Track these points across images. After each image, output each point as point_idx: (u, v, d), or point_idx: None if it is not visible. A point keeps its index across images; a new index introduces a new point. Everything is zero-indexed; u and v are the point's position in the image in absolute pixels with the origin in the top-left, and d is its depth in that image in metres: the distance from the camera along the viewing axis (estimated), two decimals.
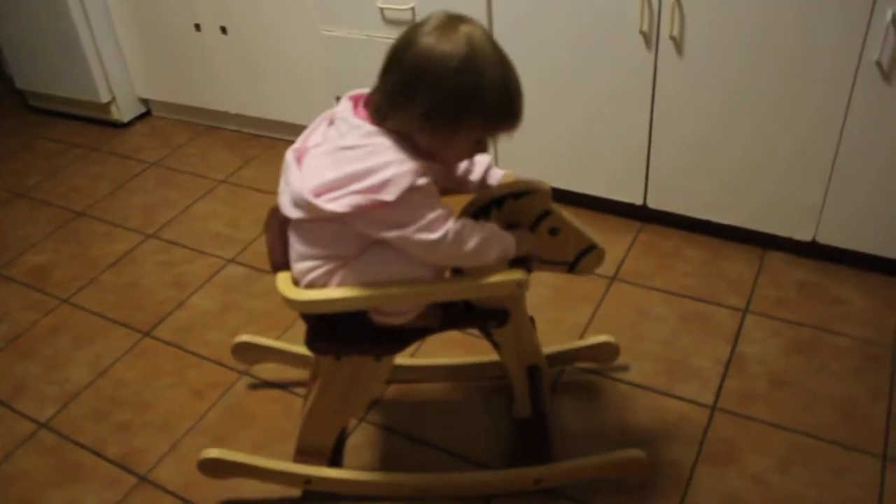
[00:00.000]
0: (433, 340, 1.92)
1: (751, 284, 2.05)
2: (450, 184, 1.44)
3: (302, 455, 1.57)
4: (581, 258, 1.42)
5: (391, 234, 1.22)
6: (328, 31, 2.45)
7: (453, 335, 1.92)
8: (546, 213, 1.36)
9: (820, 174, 1.93)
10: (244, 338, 1.86)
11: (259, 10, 2.63)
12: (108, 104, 3.14)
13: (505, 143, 2.34)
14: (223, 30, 2.75)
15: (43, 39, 3.06)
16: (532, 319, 1.65)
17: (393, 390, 1.84)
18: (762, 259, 2.13)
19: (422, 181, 1.19)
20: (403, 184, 1.17)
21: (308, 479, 1.56)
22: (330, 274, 1.29)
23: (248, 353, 1.88)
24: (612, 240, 2.25)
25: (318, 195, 1.20)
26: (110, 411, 1.88)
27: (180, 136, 3.09)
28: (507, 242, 1.31)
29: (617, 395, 1.78)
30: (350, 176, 1.19)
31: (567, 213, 1.39)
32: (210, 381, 1.93)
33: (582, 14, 2.01)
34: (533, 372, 1.60)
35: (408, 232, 1.21)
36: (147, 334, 2.11)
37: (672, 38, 1.92)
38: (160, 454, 1.76)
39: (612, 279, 2.12)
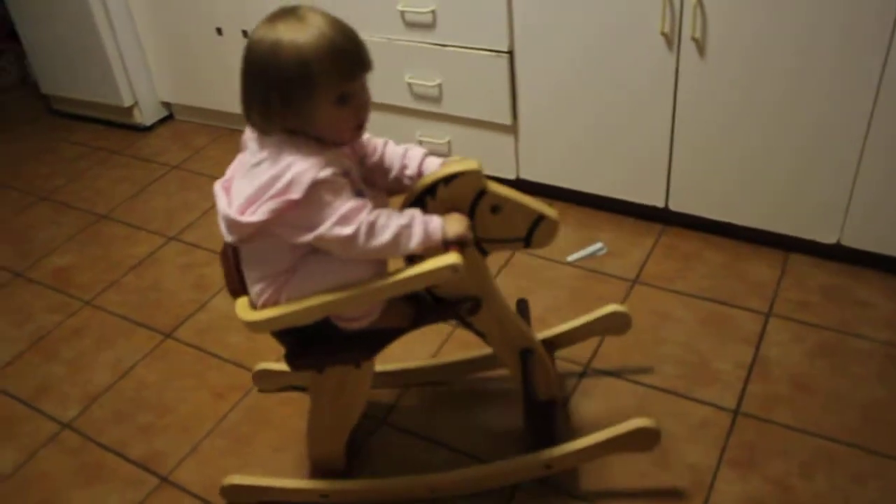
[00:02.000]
0: (452, 342, 1.92)
1: (773, 287, 2.03)
2: (390, 186, 1.45)
3: (317, 468, 1.60)
4: (533, 230, 1.40)
5: (310, 236, 1.24)
6: None
7: (469, 337, 1.91)
8: (482, 193, 1.34)
9: (845, 176, 1.91)
10: (262, 366, 1.89)
11: None
12: (131, 108, 3.16)
13: (525, 145, 2.34)
14: (245, 34, 2.77)
15: (67, 44, 3.09)
16: (525, 304, 1.64)
17: (409, 393, 1.84)
18: (785, 262, 2.11)
19: (325, 173, 1.21)
20: (306, 179, 1.20)
21: (325, 494, 1.59)
22: (277, 292, 1.32)
23: (268, 381, 1.90)
24: (634, 242, 2.24)
25: (241, 213, 1.24)
26: (132, 412, 1.90)
27: (201, 139, 3.11)
28: (429, 227, 1.29)
29: (638, 398, 1.77)
30: (262, 187, 1.23)
31: (506, 189, 1.36)
32: (230, 383, 1.94)
33: (603, 15, 2.00)
34: (525, 356, 1.57)
35: (323, 229, 1.22)
36: (168, 336, 2.12)
37: (694, 39, 1.91)
38: (181, 455, 1.77)
39: (634, 282, 2.10)
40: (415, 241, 1.29)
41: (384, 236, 1.26)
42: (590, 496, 1.57)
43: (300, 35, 1.20)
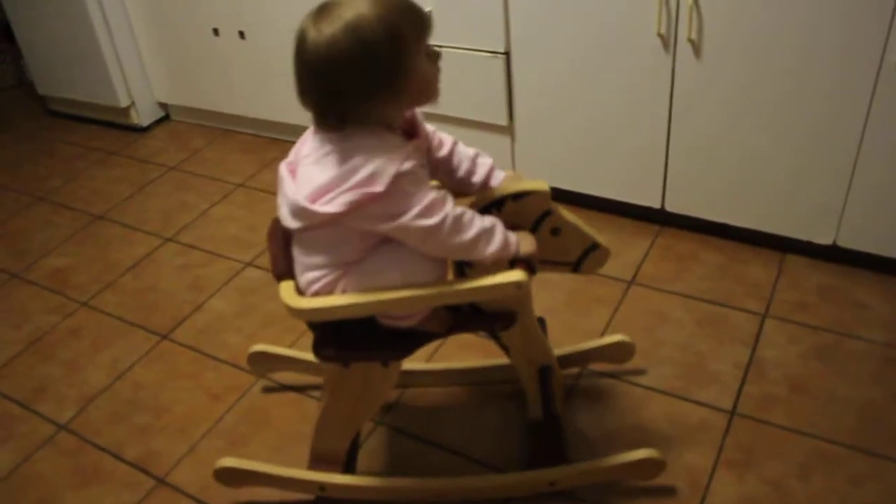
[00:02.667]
0: (449, 344, 1.92)
1: (770, 288, 2.03)
2: (452, 184, 1.45)
3: (316, 462, 1.57)
4: (584, 258, 1.42)
5: (390, 226, 1.21)
6: None
7: (468, 338, 1.92)
8: (546, 214, 1.35)
9: (840, 177, 1.91)
10: (259, 347, 1.87)
11: (277, 14, 2.64)
12: (128, 109, 3.16)
13: (522, 146, 2.34)
14: (241, 34, 2.77)
15: (63, 45, 3.09)
16: (542, 321, 1.65)
17: (409, 394, 1.84)
18: (781, 263, 2.11)
19: (407, 165, 1.19)
20: (390, 171, 1.17)
21: (322, 486, 1.57)
22: (334, 282, 1.29)
23: (263, 363, 1.89)
24: (630, 243, 2.24)
25: (312, 201, 1.21)
26: (129, 414, 1.89)
27: (198, 140, 3.11)
28: (507, 239, 1.30)
29: (634, 399, 1.77)
30: (338, 177, 1.20)
31: (568, 213, 1.38)
32: (227, 385, 1.93)
33: (599, 17, 2.00)
34: (544, 373, 1.59)
35: (405, 219, 1.20)
36: (165, 337, 2.12)
37: (690, 40, 1.91)
38: (178, 457, 1.76)
39: (630, 283, 2.11)
40: (493, 248, 1.28)
41: (467, 234, 1.25)
42: (586, 496, 1.57)
43: (368, 9, 1.16)
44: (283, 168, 1.31)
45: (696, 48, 1.92)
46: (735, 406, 1.73)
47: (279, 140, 3.01)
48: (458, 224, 1.24)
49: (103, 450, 1.81)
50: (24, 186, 2.94)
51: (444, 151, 1.42)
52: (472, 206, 1.36)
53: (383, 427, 1.77)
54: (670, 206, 2.21)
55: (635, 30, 1.97)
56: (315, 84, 1.21)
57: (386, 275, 1.28)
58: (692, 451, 1.64)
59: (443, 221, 1.22)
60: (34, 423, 1.90)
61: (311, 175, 1.24)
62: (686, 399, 1.76)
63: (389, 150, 1.20)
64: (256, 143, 3.03)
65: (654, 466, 1.54)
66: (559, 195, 2.38)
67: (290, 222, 1.26)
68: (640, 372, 1.83)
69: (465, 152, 1.44)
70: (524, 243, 1.33)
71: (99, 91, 3.13)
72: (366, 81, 1.18)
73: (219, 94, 3.01)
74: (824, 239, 2.03)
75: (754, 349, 1.86)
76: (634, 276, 2.13)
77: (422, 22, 1.22)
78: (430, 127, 1.41)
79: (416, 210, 1.20)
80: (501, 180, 1.43)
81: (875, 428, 1.65)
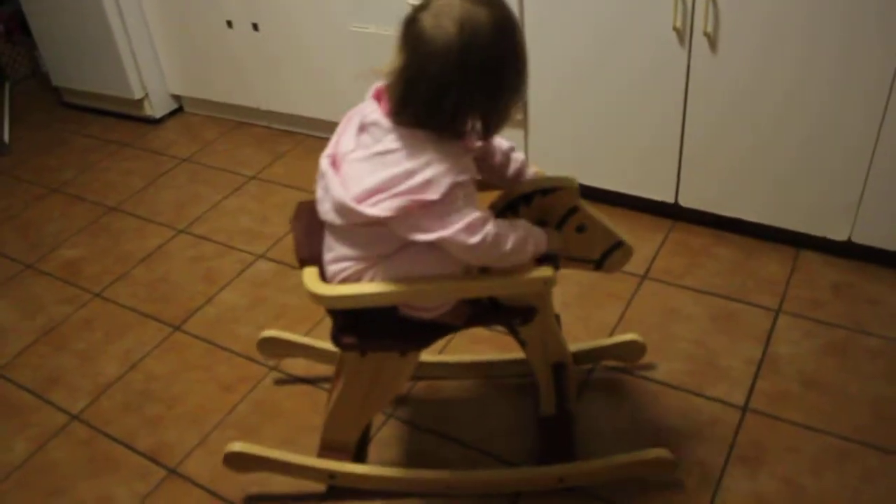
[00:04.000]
0: (461, 338, 1.92)
1: (784, 284, 2.02)
2: (486, 176, 1.43)
3: (326, 450, 1.57)
4: (608, 255, 1.42)
5: (433, 236, 1.21)
6: (358, 27, 2.45)
7: (481, 332, 1.91)
8: (573, 210, 1.35)
9: (857, 172, 1.90)
10: (269, 333, 1.87)
11: (290, 7, 2.64)
12: (141, 101, 3.17)
13: (536, 140, 2.33)
14: (255, 27, 2.77)
15: (78, 37, 3.10)
16: (557, 317, 1.64)
17: (421, 387, 1.85)
18: (796, 258, 2.10)
19: (463, 177, 1.19)
20: (446, 181, 1.17)
21: (332, 475, 1.57)
22: (363, 272, 1.29)
23: (273, 348, 1.89)
24: (643, 237, 2.23)
25: (360, 201, 1.20)
26: (141, 404, 1.90)
27: (211, 132, 3.11)
28: (538, 239, 1.31)
29: (646, 394, 1.77)
30: (390, 179, 1.18)
31: (594, 211, 1.38)
32: (239, 376, 1.94)
33: (615, 10, 1.99)
34: (558, 370, 1.59)
35: (448, 233, 1.20)
36: (177, 328, 2.12)
37: (706, 34, 1.90)
38: (189, 447, 1.77)
39: (643, 277, 2.10)
40: (528, 253, 1.29)
41: (505, 248, 1.26)
42: (598, 492, 1.56)
43: (500, 12, 1.15)
44: (325, 162, 1.29)
45: (712, 42, 1.90)
46: (747, 402, 1.72)
47: (292, 132, 3.01)
48: (497, 241, 1.24)
49: (115, 440, 1.82)
50: (37, 177, 2.95)
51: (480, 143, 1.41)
52: (502, 198, 1.36)
53: (395, 420, 1.77)
54: (684, 201, 2.20)
55: (651, 24, 1.96)
56: (447, 79, 1.15)
57: (415, 267, 1.28)
58: (704, 446, 1.63)
59: (482, 241, 1.22)
60: (47, 412, 1.91)
61: (359, 174, 1.22)
62: (698, 394, 1.75)
63: (448, 157, 1.18)
64: (269, 135, 3.03)
65: (665, 465, 1.53)
66: None
67: (333, 219, 1.26)
68: (653, 367, 1.83)
69: (500, 145, 1.44)
70: (552, 241, 1.34)
71: (113, 83, 3.14)
72: (515, 82, 1.19)
73: (232, 87, 3.01)
74: (840, 235, 2.01)
75: (767, 345, 1.85)
76: (647, 270, 2.12)
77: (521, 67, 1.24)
78: None
79: (459, 225, 1.20)
80: (531, 175, 1.44)
81: (888, 425, 1.64)
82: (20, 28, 3.52)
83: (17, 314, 2.25)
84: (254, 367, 1.95)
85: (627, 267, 2.10)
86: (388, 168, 1.19)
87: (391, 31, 2.46)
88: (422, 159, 1.17)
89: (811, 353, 1.82)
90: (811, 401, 1.71)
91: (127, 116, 3.27)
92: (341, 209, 1.23)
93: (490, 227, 1.23)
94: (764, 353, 1.83)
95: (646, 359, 1.84)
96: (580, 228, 1.37)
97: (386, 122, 1.22)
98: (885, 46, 1.71)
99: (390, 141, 1.21)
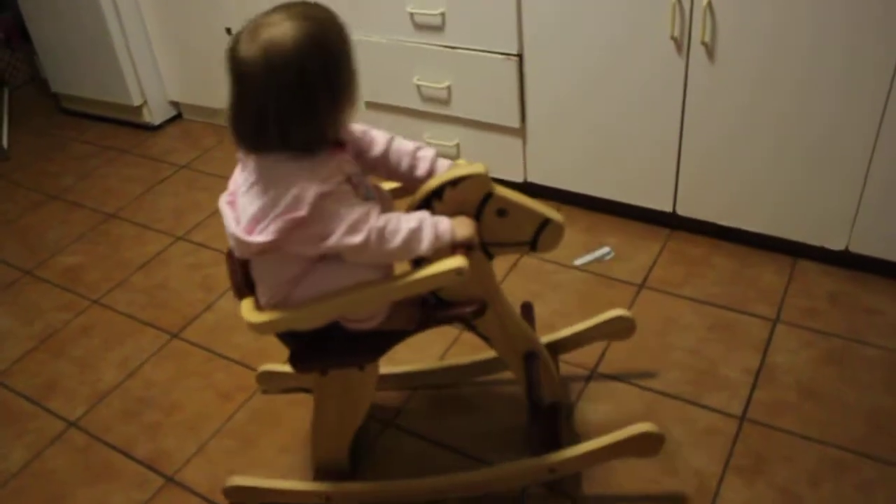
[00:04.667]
0: (459, 345, 1.93)
1: (781, 293, 2.03)
2: (397, 181, 1.46)
3: (321, 473, 1.60)
4: (539, 234, 1.40)
5: (320, 248, 1.24)
6: (357, 36, 2.45)
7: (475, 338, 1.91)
8: (488, 196, 1.34)
9: (853, 182, 1.91)
10: (265, 367, 1.89)
11: None
12: (140, 107, 3.17)
13: (533, 149, 2.34)
14: None
15: (77, 44, 3.10)
16: (530, 306, 1.64)
17: (418, 395, 1.85)
18: (793, 268, 2.10)
19: (328, 185, 1.20)
20: (311, 194, 1.19)
21: (328, 496, 1.59)
22: (287, 297, 1.31)
23: (271, 382, 1.91)
24: (641, 247, 2.24)
25: (249, 232, 1.23)
26: (139, 412, 1.90)
27: (210, 139, 3.12)
28: (438, 229, 1.30)
29: (644, 403, 1.77)
30: (265, 206, 1.21)
31: (512, 193, 1.37)
32: (237, 384, 1.94)
33: (612, 19, 2.00)
34: (529, 359, 1.57)
35: (333, 240, 1.22)
36: (175, 336, 2.13)
37: (703, 43, 1.90)
38: (187, 455, 1.77)
39: (641, 287, 2.10)
40: (425, 245, 1.29)
41: (394, 241, 1.26)
42: (596, 502, 1.57)
43: (305, 29, 1.16)
44: (223, 202, 1.33)
45: (710, 51, 1.91)
46: (745, 411, 1.72)
47: None
48: (382, 235, 1.25)
49: (113, 447, 1.82)
50: (36, 184, 2.96)
51: (377, 150, 1.42)
52: (412, 199, 1.36)
53: (393, 429, 1.77)
54: (682, 210, 2.20)
55: (649, 33, 1.96)
56: (260, 103, 1.19)
57: (331, 282, 1.30)
58: (701, 456, 1.63)
59: (368, 237, 1.24)
60: (45, 419, 1.91)
61: (244, 206, 1.26)
62: (696, 404, 1.75)
63: (309, 171, 1.21)
64: None
65: (652, 441, 1.51)
66: (570, 197, 2.39)
67: (237, 252, 1.29)
68: (651, 376, 1.83)
69: (403, 148, 1.43)
70: (460, 228, 1.32)
71: (112, 89, 3.15)
72: (326, 98, 1.20)
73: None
74: (837, 244, 2.02)
75: (765, 354, 1.86)
76: (645, 279, 2.13)
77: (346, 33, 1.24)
78: (360, 127, 1.41)
79: (341, 230, 1.22)
80: (446, 169, 1.42)
81: (885, 435, 1.64)
82: (19, 34, 3.52)
83: (16, 321, 2.25)
84: (252, 375, 1.95)
85: (625, 276, 2.13)
86: (261, 196, 1.23)
87: (391, 40, 2.45)
88: (284, 180, 1.20)
89: (808, 362, 1.83)
90: (809, 411, 1.71)
91: (126, 123, 3.28)
92: (236, 242, 1.26)
93: (373, 223, 1.24)
94: (761, 363, 1.84)
95: (643, 368, 1.84)
96: (501, 213, 1.36)
97: (247, 157, 1.27)
98: (882, 56, 1.72)
99: (260, 168, 1.25)
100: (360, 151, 1.41)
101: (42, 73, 3.50)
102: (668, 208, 2.22)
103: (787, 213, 2.05)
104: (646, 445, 1.52)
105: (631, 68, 2.05)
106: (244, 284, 1.39)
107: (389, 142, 1.43)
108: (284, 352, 1.43)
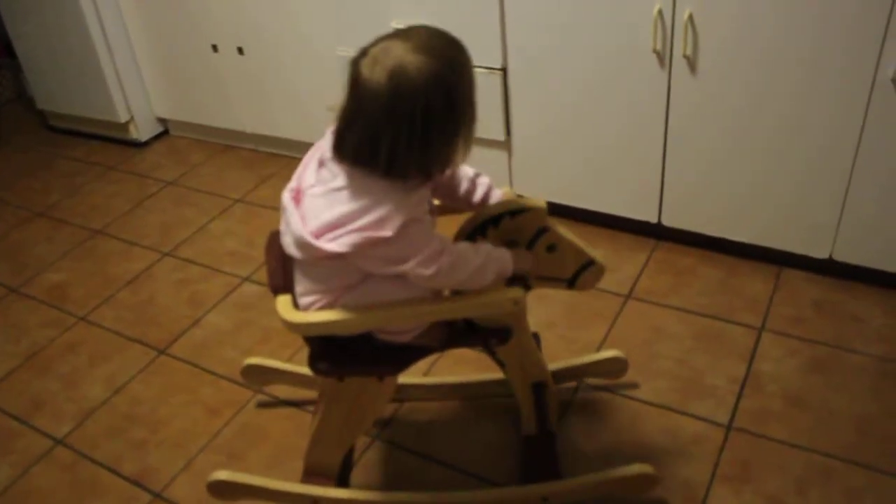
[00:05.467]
0: (445, 359, 1.93)
1: (767, 302, 2.04)
2: (452, 203, 1.46)
3: (309, 476, 1.58)
4: (580, 274, 1.42)
5: (390, 270, 1.23)
6: (344, 51, 2.47)
7: (464, 353, 1.92)
8: (543, 230, 1.36)
9: (836, 191, 1.92)
10: (253, 360, 1.88)
11: (276, 31, 2.66)
12: (127, 124, 3.17)
13: (519, 161, 2.35)
14: (240, 51, 2.78)
15: (63, 60, 3.10)
16: (537, 336, 1.65)
17: (405, 409, 1.84)
18: (778, 277, 2.12)
19: (415, 214, 1.20)
20: (399, 219, 1.18)
21: (315, 500, 1.57)
22: (332, 303, 1.31)
23: (257, 375, 1.89)
24: (627, 258, 2.25)
25: (317, 236, 1.21)
26: (126, 428, 1.89)
27: (197, 155, 3.12)
28: (502, 262, 1.32)
29: (630, 413, 1.77)
30: (347, 215, 1.20)
31: (565, 230, 1.39)
32: (224, 399, 1.93)
33: (596, 34, 2.02)
34: (538, 389, 1.59)
35: (406, 267, 1.22)
36: (162, 352, 2.12)
37: (685, 56, 1.92)
38: (175, 472, 1.76)
39: (627, 297, 2.11)
40: (488, 280, 1.30)
41: (461, 275, 1.27)
42: None
43: (436, 67, 1.16)
44: (287, 196, 1.30)
45: (692, 64, 1.93)
46: (732, 420, 1.73)
47: (278, 155, 3.02)
48: (452, 269, 1.26)
49: (100, 464, 1.81)
50: (22, 201, 2.95)
51: (446, 173, 1.42)
52: (470, 221, 1.37)
53: (380, 442, 1.77)
54: (667, 221, 2.21)
55: (632, 46, 1.98)
56: (376, 128, 1.16)
57: (384, 294, 1.29)
58: (688, 465, 1.64)
59: (438, 272, 1.24)
60: (31, 437, 1.90)
61: (317, 209, 1.23)
62: (683, 413, 1.76)
63: (402, 193, 1.20)
64: (255, 158, 3.04)
65: (648, 481, 1.54)
66: (556, 210, 2.39)
67: (294, 252, 1.27)
68: (637, 386, 1.84)
69: (465, 172, 1.46)
70: (520, 261, 1.35)
71: (98, 106, 3.15)
72: (450, 132, 1.20)
73: (217, 110, 3.02)
74: (820, 253, 2.04)
75: (751, 363, 1.87)
76: (631, 290, 2.13)
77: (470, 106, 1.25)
78: None
79: (416, 260, 1.22)
80: (499, 198, 1.45)
81: (872, 442, 1.65)
82: (5, 51, 3.52)
83: (1, 338, 2.24)
84: (239, 391, 1.94)
85: (612, 287, 2.14)
86: (343, 204, 1.21)
87: None
88: (372, 198, 1.19)
89: (795, 370, 1.83)
90: (795, 418, 1.72)
91: (112, 140, 3.28)
92: (300, 244, 1.24)
93: (445, 258, 1.24)
94: (748, 371, 1.84)
95: (630, 377, 1.84)
96: (551, 248, 1.38)
97: (337, 162, 1.25)
98: (861, 67, 1.74)
99: (341, 178, 1.23)
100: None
101: (28, 91, 3.49)
102: (653, 219, 2.23)
103: (773, 222, 2.06)
104: (641, 485, 1.55)
105: (615, 82, 2.06)
106: (283, 280, 1.36)
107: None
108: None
